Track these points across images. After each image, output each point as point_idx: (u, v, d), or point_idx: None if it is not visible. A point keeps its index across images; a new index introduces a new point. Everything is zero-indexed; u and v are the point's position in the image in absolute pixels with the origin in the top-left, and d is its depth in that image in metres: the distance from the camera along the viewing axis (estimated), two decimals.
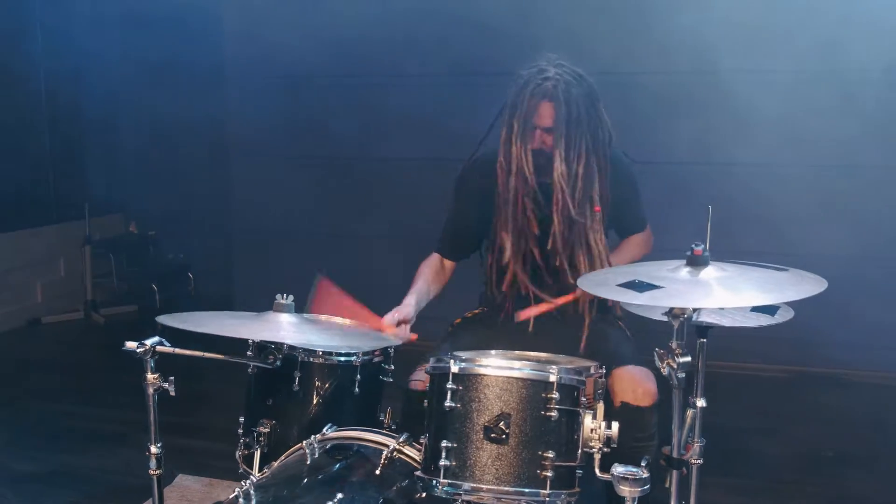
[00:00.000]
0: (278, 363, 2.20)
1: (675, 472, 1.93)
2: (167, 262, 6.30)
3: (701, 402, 2.08)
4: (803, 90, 4.16)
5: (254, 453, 2.43)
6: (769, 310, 2.01)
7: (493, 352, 2.44)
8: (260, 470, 2.37)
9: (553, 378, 1.87)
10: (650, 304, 1.73)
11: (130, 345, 2.20)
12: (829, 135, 4.09)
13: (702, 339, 2.10)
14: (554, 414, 1.86)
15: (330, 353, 2.39)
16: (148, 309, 5.94)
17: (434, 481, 1.89)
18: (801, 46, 4.09)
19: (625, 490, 1.84)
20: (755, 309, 2.01)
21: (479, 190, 2.68)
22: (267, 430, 2.41)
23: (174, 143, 5.95)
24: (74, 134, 6.19)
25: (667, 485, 1.93)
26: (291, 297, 2.16)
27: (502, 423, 1.83)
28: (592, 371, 2.02)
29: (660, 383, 2.41)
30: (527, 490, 1.83)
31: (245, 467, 2.46)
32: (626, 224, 2.78)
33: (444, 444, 1.87)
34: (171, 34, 5.30)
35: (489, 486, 1.83)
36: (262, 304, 5.08)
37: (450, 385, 1.89)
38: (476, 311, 2.83)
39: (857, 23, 3.96)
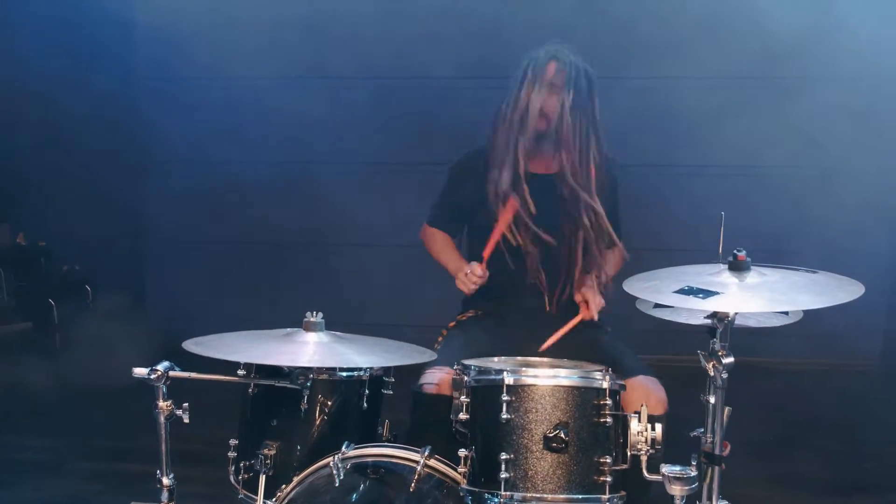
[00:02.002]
0: (308, 384, 2.12)
1: (716, 469, 2.00)
2: (62, 274, 5.89)
3: (713, 399, 2.18)
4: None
5: (257, 477, 2.33)
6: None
7: (495, 359, 2.47)
8: (269, 495, 2.27)
9: (605, 385, 1.92)
10: (715, 311, 1.79)
11: (140, 371, 2.06)
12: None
13: (713, 340, 2.21)
14: (608, 420, 1.90)
15: (333, 369, 2.33)
16: (44, 325, 5.56)
17: (491, 494, 1.88)
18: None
19: (676, 489, 1.91)
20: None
21: (474, 178, 2.75)
22: (273, 451, 2.30)
23: (71, 148, 5.56)
24: None
25: (707, 481, 2.00)
26: (321, 315, 2.08)
27: (561, 431, 1.85)
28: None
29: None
30: (589, 497, 1.86)
31: (246, 493, 2.35)
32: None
33: (502, 456, 1.87)
34: (75, 32, 4.96)
35: (552, 496, 1.85)
36: (178, 315, 4.90)
37: (505, 397, 1.89)
38: (469, 314, 2.83)
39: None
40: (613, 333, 2.78)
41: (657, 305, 2.20)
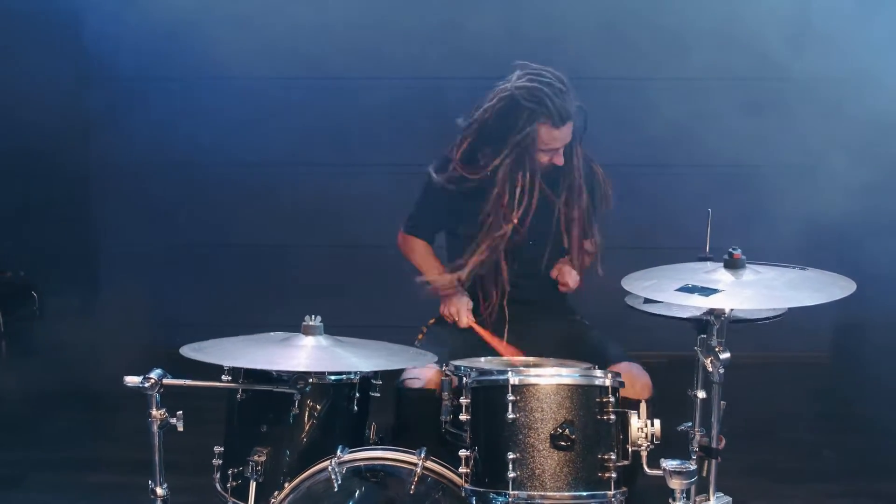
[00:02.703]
0: (308, 388, 2.10)
1: (713, 462, 2.06)
2: (5, 280, 5.67)
3: (701, 394, 2.24)
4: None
5: (246, 484, 2.29)
6: None
7: (482, 359, 2.50)
8: (260, 502, 2.24)
9: (608, 382, 1.95)
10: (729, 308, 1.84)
11: (132, 380, 2.02)
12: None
13: (702, 336, 2.26)
14: (612, 417, 1.93)
15: (323, 373, 2.31)
16: None
17: (497, 494, 1.90)
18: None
19: (676, 483, 1.96)
20: None
21: (453, 196, 2.74)
22: (263, 458, 2.27)
23: (13, 150, 5.35)
24: None
25: (703, 474, 2.06)
26: (319, 318, 2.06)
27: (567, 430, 1.88)
28: None
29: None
30: (595, 493, 1.89)
31: (235, 500, 2.31)
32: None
33: (510, 455, 1.88)
34: (19, 30, 4.79)
35: (561, 494, 1.87)
36: (132, 321, 4.76)
37: (510, 397, 1.90)
38: None
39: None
40: (591, 324, 2.83)
41: (647, 301, 2.25)
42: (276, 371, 2.20)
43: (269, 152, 5.08)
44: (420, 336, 2.78)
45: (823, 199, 3.64)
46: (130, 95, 4.96)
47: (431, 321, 2.82)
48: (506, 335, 2.72)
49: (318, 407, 2.30)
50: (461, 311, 2.70)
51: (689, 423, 2.22)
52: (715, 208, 2.29)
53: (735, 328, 2.33)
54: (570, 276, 2.73)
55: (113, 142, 5.09)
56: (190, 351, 1.95)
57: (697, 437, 2.21)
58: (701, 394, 2.22)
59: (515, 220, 2.64)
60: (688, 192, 3.93)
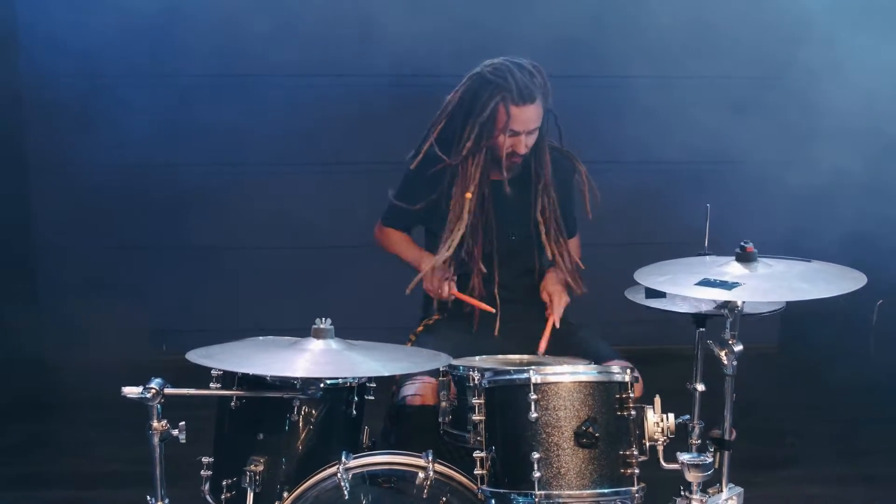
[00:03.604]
0: (319, 394, 2.03)
1: (726, 454, 2.07)
2: None
3: (701, 387, 2.26)
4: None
5: (242, 496, 2.20)
6: None
7: (476, 358, 2.47)
8: None
9: (627, 378, 1.95)
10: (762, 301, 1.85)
11: (132, 390, 1.91)
12: None
13: (701, 329, 2.29)
14: (633, 413, 1.93)
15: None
16: None
17: (519, 494, 1.87)
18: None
19: (693, 476, 1.97)
20: None
21: (430, 182, 2.72)
22: (261, 467, 2.19)
23: None
24: None
25: (716, 465, 2.07)
26: (330, 321, 1.99)
27: (591, 427, 1.87)
28: None
29: None
30: (619, 490, 1.88)
31: None
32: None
33: (534, 455, 1.86)
34: None
35: (586, 492, 1.85)
36: (70, 328, 4.55)
37: (532, 396, 1.88)
38: (436, 318, 2.80)
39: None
40: (578, 323, 2.83)
41: (649, 296, 2.25)
42: (271, 376, 2.13)
43: (266, 152, 4.93)
44: (408, 344, 2.72)
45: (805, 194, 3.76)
46: (65, 93, 4.73)
47: (419, 328, 2.77)
48: (497, 329, 2.70)
49: (315, 412, 2.23)
50: (442, 283, 2.65)
51: (688, 416, 2.25)
52: (703, 203, 2.31)
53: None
54: (557, 304, 2.70)
55: (46, 142, 4.86)
56: (198, 357, 1.86)
57: (697, 429, 2.24)
58: (700, 387, 2.26)
59: (469, 198, 2.62)
60: (676, 188, 3.98)
